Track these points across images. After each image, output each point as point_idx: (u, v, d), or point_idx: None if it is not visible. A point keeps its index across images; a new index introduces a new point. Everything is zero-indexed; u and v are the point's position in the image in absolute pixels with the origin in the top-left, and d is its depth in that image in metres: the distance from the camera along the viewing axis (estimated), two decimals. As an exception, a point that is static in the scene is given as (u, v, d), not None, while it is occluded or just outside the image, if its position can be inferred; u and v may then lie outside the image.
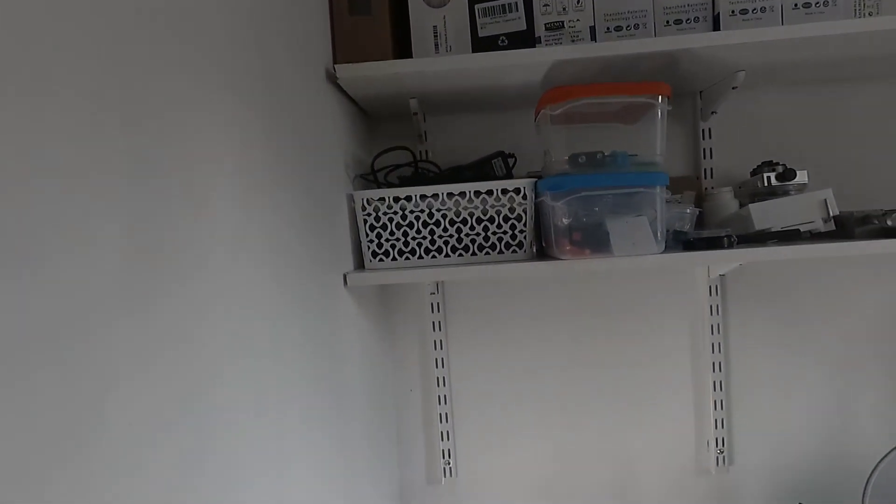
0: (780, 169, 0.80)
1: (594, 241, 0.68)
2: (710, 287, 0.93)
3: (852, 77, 0.89)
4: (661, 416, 0.97)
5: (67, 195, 0.28)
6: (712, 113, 0.89)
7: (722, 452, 0.96)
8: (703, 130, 0.92)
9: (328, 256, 0.68)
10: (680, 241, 0.73)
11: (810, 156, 0.90)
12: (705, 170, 0.92)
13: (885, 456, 0.80)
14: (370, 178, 0.82)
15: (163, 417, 0.34)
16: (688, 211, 0.75)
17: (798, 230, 0.69)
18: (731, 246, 0.68)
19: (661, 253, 0.68)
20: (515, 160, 0.80)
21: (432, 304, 0.96)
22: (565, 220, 0.69)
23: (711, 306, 0.93)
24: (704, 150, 0.92)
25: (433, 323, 0.96)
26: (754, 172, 0.83)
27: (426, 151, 0.94)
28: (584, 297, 0.95)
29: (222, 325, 0.42)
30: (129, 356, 0.31)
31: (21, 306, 0.24)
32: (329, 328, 0.67)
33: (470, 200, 0.74)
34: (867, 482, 0.81)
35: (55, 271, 0.27)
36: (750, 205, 0.74)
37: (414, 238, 0.75)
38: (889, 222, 0.67)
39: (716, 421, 0.96)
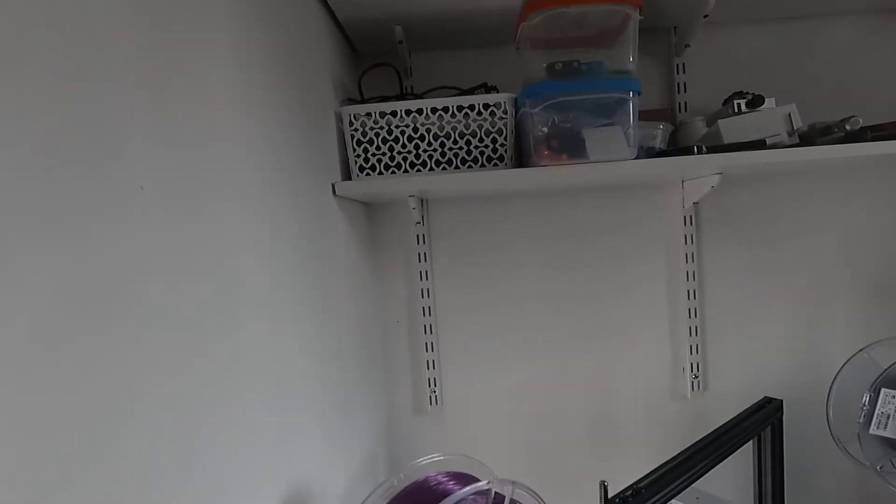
0: (749, 97, 0.84)
1: (571, 147, 0.71)
2: (684, 217, 0.97)
3: (823, 12, 0.94)
4: (639, 343, 1.01)
5: None
6: (686, 46, 0.93)
7: (697, 377, 1.00)
8: (677, 65, 0.96)
9: (318, 169, 0.71)
10: (652, 155, 0.76)
11: (781, 89, 0.94)
12: (680, 103, 0.96)
13: (846, 363, 0.85)
14: (357, 100, 0.85)
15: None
16: (660, 127, 0.79)
17: (764, 140, 0.73)
18: (700, 152, 0.71)
19: (634, 159, 0.71)
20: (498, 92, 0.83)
21: (418, 236, 0.99)
22: (543, 129, 0.72)
23: (686, 235, 0.97)
24: (679, 84, 0.96)
25: (419, 255, 0.99)
26: (725, 102, 0.87)
27: (411, 87, 0.96)
28: (564, 226, 0.99)
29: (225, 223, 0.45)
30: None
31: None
32: (320, 238, 0.70)
33: (453, 115, 0.77)
34: (830, 389, 0.85)
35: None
36: (719, 121, 0.78)
37: (399, 153, 0.78)
38: (848, 127, 0.71)
39: (691, 347, 1.00)
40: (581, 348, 1.00)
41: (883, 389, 0.79)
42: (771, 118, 0.76)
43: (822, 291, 0.99)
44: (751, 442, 0.81)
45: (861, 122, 0.74)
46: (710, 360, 1.01)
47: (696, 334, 0.99)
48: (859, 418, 0.80)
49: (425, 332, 1.00)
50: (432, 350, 1.01)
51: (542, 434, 1.01)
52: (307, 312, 0.63)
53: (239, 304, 0.47)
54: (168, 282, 0.37)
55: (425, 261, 0.99)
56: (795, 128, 0.75)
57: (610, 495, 0.57)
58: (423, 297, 1.00)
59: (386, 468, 0.97)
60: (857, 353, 0.84)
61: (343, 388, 0.75)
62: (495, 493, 0.49)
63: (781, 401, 0.84)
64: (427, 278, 1.00)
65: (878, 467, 0.81)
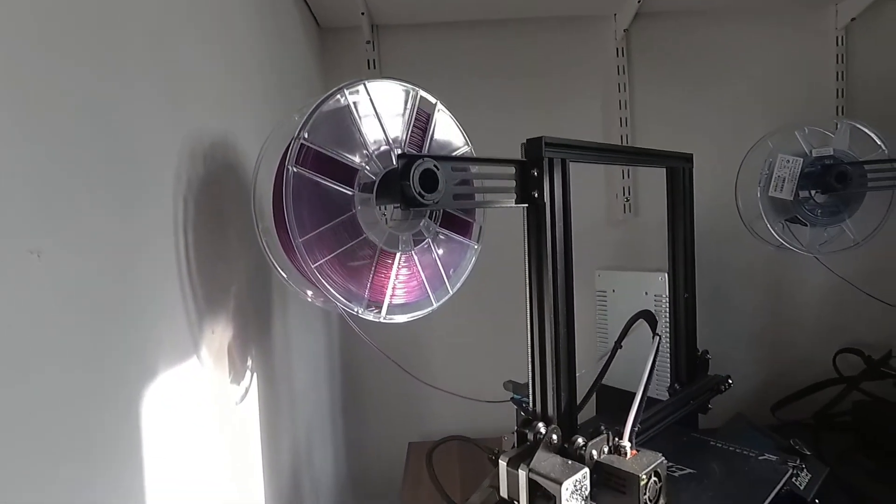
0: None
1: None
2: (616, 49, 1.07)
3: None
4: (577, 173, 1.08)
5: None
6: None
7: (629, 201, 1.07)
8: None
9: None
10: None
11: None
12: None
13: (748, 153, 0.89)
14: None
15: None
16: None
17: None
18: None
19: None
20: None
21: (369, 61, 1.07)
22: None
23: (618, 66, 1.07)
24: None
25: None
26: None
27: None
28: (506, 62, 1.08)
29: None
30: None
31: None
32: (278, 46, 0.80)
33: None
34: (736, 180, 0.90)
35: None
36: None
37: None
38: None
39: (622, 172, 1.07)
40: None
41: (780, 155, 0.84)
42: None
43: (743, 122, 1.04)
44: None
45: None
46: (640, 188, 1.07)
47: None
48: (759, 183, 0.84)
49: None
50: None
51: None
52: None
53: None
54: None
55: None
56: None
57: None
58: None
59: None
60: (758, 141, 0.88)
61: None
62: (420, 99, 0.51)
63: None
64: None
65: (781, 222, 0.84)
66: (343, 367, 1.04)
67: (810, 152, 0.83)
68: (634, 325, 0.64)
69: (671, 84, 1.07)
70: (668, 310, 0.77)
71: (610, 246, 1.07)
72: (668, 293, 0.77)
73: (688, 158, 0.77)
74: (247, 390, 0.53)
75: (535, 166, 0.53)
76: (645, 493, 0.51)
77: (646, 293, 0.80)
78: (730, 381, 0.78)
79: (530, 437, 0.54)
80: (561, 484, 0.48)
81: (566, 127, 1.06)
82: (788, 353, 1.09)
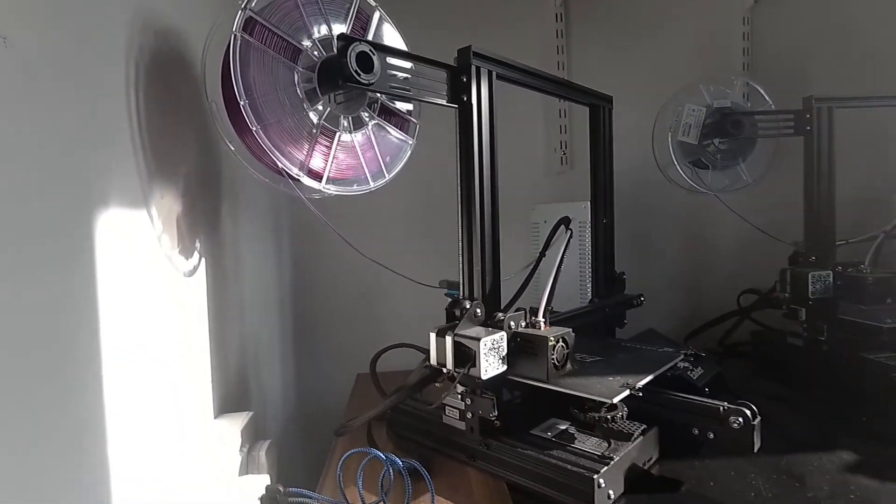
0: None
1: None
2: (555, 14, 1.17)
3: None
4: (519, 130, 1.17)
5: None
6: None
7: (566, 154, 1.16)
8: None
9: None
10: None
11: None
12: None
13: (661, 108, 1.00)
14: None
15: None
16: None
17: None
18: None
19: None
20: None
21: None
22: None
23: (557, 30, 1.16)
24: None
25: None
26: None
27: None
28: (435, 23, 1.15)
29: None
30: None
31: None
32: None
33: None
34: (653, 132, 1.01)
35: None
36: None
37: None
38: None
39: (560, 128, 1.16)
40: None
41: (687, 104, 0.95)
42: None
43: (672, 83, 1.16)
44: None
45: None
46: (575, 144, 1.17)
47: (565, 116, 1.16)
48: (670, 128, 0.96)
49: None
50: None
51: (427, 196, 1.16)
52: None
53: None
54: None
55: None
56: None
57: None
58: None
59: None
60: (671, 95, 1.00)
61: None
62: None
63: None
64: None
65: (689, 166, 0.96)
66: (294, 293, 1.07)
67: (712, 104, 0.95)
68: (559, 240, 0.72)
69: (603, 45, 1.17)
70: (590, 233, 0.86)
71: (549, 193, 1.16)
72: (590, 219, 0.86)
73: (608, 100, 0.87)
74: (195, 268, 0.57)
75: (464, 73, 0.60)
76: (553, 355, 0.59)
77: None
78: (642, 299, 0.89)
79: (458, 314, 0.60)
80: (479, 340, 0.55)
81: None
82: (703, 292, 1.22)
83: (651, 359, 0.71)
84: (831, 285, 0.90)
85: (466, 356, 0.57)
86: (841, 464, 0.63)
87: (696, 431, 0.62)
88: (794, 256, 0.96)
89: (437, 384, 0.62)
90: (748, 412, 0.58)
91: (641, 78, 1.16)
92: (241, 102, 0.45)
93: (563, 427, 0.64)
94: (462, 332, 0.57)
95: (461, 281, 0.63)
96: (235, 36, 0.45)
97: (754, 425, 0.58)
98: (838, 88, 1.11)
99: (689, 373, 0.80)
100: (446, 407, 0.64)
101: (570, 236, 0.66)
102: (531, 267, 0.75)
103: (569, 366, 0.61)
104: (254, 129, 0.46)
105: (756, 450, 0.58)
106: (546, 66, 1.16)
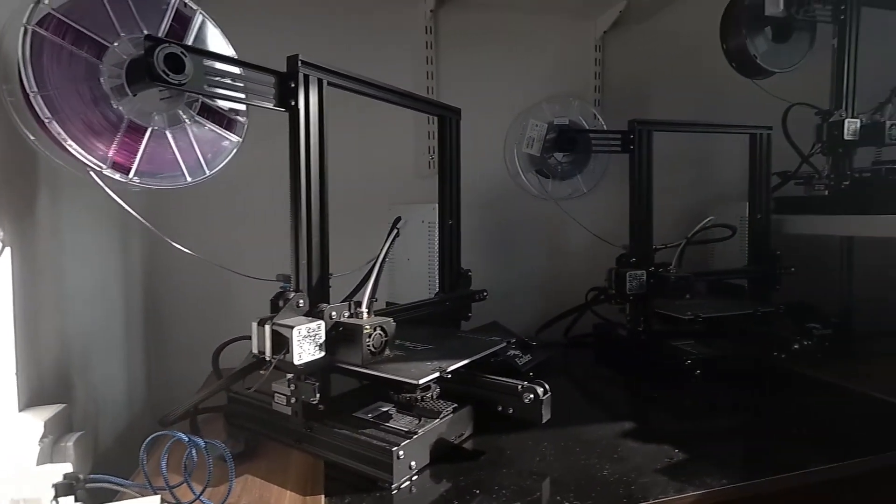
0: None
1: None
2: (425, 27, 1.24)
3: None
4: (391, 133, 1.23)
5: None
6: None
7: (433, 158, 1.24)
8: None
9: None
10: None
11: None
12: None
13: (511, 124, 1.11)
14: None
15: None
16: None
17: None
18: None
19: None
20: None
21: None
22: None
23: (427, 42, 1.24)
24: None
25: None
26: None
27: None
28: (313, 32, 1.19)
29: None
30: None
31: None
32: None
33: None
34: (504, 145, 1.11)
35: None
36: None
37: None
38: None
39: (428, 133, 1.24)
40: (348, 136, 1.18)
41: (531, 119, 1.06)
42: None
43: (530, 98, 1.27)
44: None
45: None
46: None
47: (435, 123, 1.24)
48: (517, 141, 1.06)
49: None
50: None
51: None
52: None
53: None
54: None
55: None
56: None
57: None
58: None
59: None
60: (520, 112, 1.11)
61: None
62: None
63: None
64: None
65: (535, 175, 1.06)
66: (143, 287, 1.05)
67: (553, 120, 1.06)
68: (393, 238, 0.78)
69: (470, 60, 1.26)
70: (437, 233, 0.94)
71: (419, 194, 1.23)
72: (437, 220, 0.94)
73: (456, 111, 0.95)
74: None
75: (293, 79, 0.64)
76: (369, 342, 0.65)
77: (422, 221, 0.96)
78: (485, 293, 0.97)
79: (281, 304, 0.64)
80: (293, 328, 0.60)
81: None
82: (558, 289, 1.34)
83: (476, 347, 0.79)
84: (645, 283, 1.04)
85: (283, 344, 0.61)
86: (619, 431, 0.75)
87: (500, 408, 0.70)
88: (619, 258, 1.10)
89: (262, 372, 0.65)
90: (540, 389, 0.68)
91: (504, 92, 1.26)
92: (31, 94, 0.46)
93: (386, 409, 0.71)
94: (279, 321, 0.61)
95: (292, 275, 0.67)
96: (26, 28, 0.46)
97: (542, 400, 0.67)
98: (676, 112, 1.29)
99: (516, 359, 0.90)
100: (275, 394, 0.68)
101: (396, 236, 0.72)
102: (370, 263, 0.81)
103: (387, 352, 0.67)
104: (46, 120, 0.47)
105: (544, 421, 0.67)
106: (416, 76, 1.23)
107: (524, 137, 1.05)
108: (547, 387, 0.68)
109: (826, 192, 1.22)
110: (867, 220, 1.11)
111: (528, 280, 1.32)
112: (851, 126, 1.16)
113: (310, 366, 0.63)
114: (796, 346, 0.94)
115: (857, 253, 1.24)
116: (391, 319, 0.68)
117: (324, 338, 0.64)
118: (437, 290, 0.95)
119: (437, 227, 0.95)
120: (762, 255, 1.18)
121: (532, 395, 0.67)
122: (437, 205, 0.94)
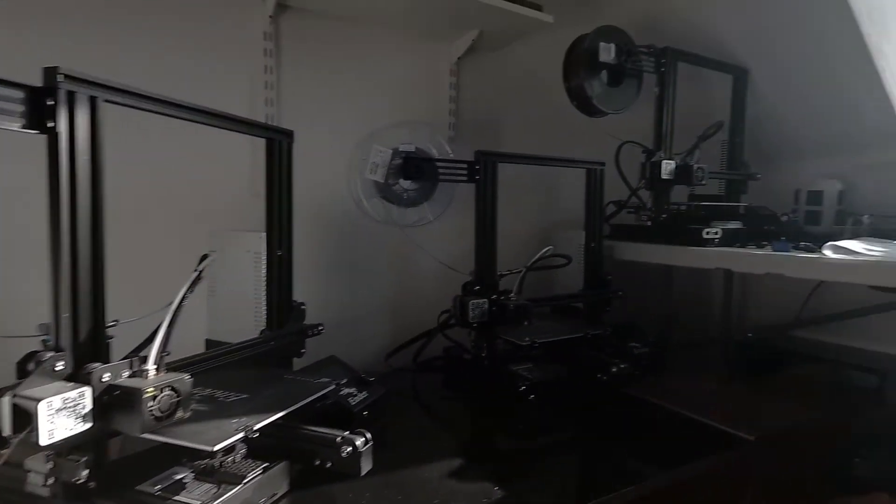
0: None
1: None
2: (264, 32, 1.14)
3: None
4: (223, 151, 1.10)
5: None
6: None
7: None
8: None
9: None
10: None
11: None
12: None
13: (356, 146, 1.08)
14: None
15: None
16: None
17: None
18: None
19: None
20: None
21: None
22: None
23: (266, 49, 1.14)
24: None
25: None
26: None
27: None
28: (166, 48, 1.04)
29: None
30: None
31: None
32: None
33: None
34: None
35: None
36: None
37: None
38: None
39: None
40: (189, 150, 1.04)
41: (374, 145, 1.03)
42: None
43: (375, 118, 1.24)
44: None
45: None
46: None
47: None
48: (362, 169, 1.02)
49: None
50: None
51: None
52: None
53: None
54: None
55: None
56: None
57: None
58: None
59: None
60: (366, 135, 1.07)
61: None
62: None
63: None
64: None
65: (379, 202, 1.03)
66: None
67: (398, 147, 1.05)
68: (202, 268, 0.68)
69: (316, 77, 1.19)
70: (264, 265, 0.86)
71: (256, 217, 1.13)
72: (265, 251, 0.86)
73: (288, 134, 0.88)
74: None
75: (50, 95, 0.53)
76: (153, 406, 0.56)
77: (247, 251, 0.88)
78: (320, 328, 0.92)
79: (31, 367, 0.53)
80: (38, 402, 0.49)
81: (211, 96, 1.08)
82: (410, 314, 1.33)
83: (298, 393, 0.73)
84: (487, 311, 1.06)
85: (28, 420, 0.50)
86: (446, 470, 0.74)
87: (318, 462, 0.65)
88: (465, 285, 1.11)
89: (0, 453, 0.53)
90: (359, 441, 0.64)
91: (351, 112, 1.20)
92: None
93: (180, 476, 0.62)
94: (22, 393, 0.50)
95: (55, 330, 0.56)
96: None
97: (361, 452, 0.64)
98: (526, 141, 1.35)
99: (350, 398, 0.86)
100: (28, 472, 0.56)
101: (197, 280, 0.64)
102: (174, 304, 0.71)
103: (180, 413, 0.59)
104: None
105: (363, 473, 0.64)
106: (253, 88, 1.13)
107: (368, 163, 1.01)
108: (369, 436, 0.65)
109: (649, 223, 1.37)
110: (680, 250, 1.27)
111: (376, 307, 1.29)
112: (668, 167, 1.31)
113: (71, 441, 0.52)
114: (615, 369, 1.02)
115: (675, 276, 1.42)
116: (185, 376, 0.60)
117: (89, 406, 0.53)
118: (264, 326, 0.87)
119: (264, 257, 0.87)
120: (596, 280, 1.28)
121: (350, 448, 0.63)
122: (264, 233, 0.87)
